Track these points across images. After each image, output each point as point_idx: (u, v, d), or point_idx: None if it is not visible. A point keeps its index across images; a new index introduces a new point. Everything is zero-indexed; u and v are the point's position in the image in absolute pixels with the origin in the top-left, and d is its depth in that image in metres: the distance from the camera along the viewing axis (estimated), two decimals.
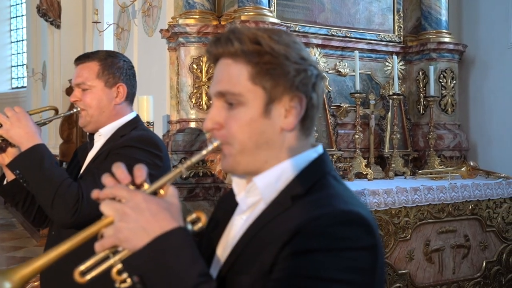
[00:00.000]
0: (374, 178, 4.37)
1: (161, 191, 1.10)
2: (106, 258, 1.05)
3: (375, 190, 3.67)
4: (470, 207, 4.09)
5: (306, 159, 1.16)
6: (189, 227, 1.10)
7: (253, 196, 1.17)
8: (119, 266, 1.03)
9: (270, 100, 1.12)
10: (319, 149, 1.20)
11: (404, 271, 3.80)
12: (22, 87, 14.43)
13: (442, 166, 4.74)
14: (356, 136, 4.46)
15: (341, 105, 4.80)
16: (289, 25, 4.39)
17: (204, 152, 1.15)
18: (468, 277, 4.10)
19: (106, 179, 1.10)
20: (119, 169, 1.10)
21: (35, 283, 2.58)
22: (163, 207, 1.04)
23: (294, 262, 0.99)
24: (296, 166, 1.15)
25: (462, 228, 4.08)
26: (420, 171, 4.55)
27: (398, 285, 3.77)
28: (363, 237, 1.02)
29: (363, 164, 4.42)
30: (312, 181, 1.13)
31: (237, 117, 1.12)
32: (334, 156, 4.48)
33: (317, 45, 4.64)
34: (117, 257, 1.04)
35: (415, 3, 5.22)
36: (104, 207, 1.05)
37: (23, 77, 14.56)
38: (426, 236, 3.93)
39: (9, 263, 6.47)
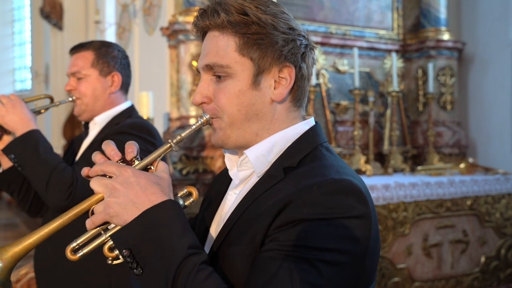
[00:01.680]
0: (373, 174, 4.38)
1: (152, 167, 1.10)
2: (98, 235, 1.04)
3: (373, 185, 3.68)
4: (468, 202, 4.10)
5: (298, 131, 1.15)
6: (181, 202, 1.12)
7: (245, 169, 1.16)
8: (110, 242, 1.02)
9: (259, 71, 1.11)
10: (311, 121, 1.20)
11: (402, 265, 3.82)
12: (25, 89, 14.49)
13: (441, 163, 4.76)
14: (355, 133, 4.48)
15: (340, 102, 4.82)
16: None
17: (194, 126, 1.14)
18: (467, 272, 4.11)
19: (96, 156, 1.09)
20: (108, 146, 1.10)
21: (31, 274, 2.60)
22: (152, 181, 1.04)
23: (287, 232, 0.99)
24: (288, 138, 1.15)
25: (460, 224, 4.10)
26: (419, 167, 4.57)
27: (396, 279, 3.78)
28: (355, 206, 1.01)
29: (362, 161, 4.44)
30: (304, 153, 1.12)
31: (225, 90, 1.12)
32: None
33: (316, 43, 4.65)
34: (109, 233, 1.03)
35: (414, 1, 5.24)
36: (94, 184, 1.04)
37: (26, 80, 14.63)
38: (424, 231, 3.94)
39: None
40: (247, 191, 1.14)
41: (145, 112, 4.08)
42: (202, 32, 1.17)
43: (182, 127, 4.22)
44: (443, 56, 5.10)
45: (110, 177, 1.05)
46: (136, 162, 1.10)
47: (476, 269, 4.15)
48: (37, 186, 1.97)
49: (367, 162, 4.51)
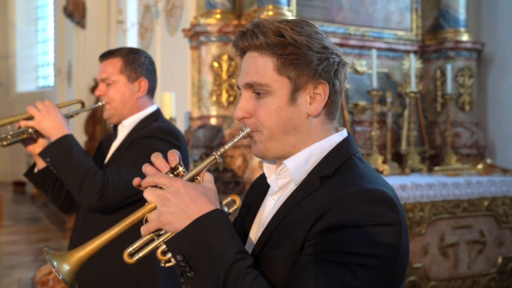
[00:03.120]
0: (390, 174, 4.43)
1: (198, 178, 1.21)
2: (151, 241, 1.15)
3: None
4: (485, 203, 4.13)
5: (332, 142, 1.25)
6: (226, 209, 1.21)
7: (284, 177, 1.26)
8: (163, 247, 1.14)
9: (295, 88, 1.21)
10: (344, 132, 1.29)
11: (418, 264, 3.87)
12: (48, 86, 14.81)
13: (459, 164, 4.79)
14: (373, 133, 4.53)
15: (359, 102, 4.88)
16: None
17: (236, 139, 1.24)
18: (483, 272, 4.15)
19: (146, 168, 1.20)
20: (158, 158, 1.20)
21: None
22: (200, 192, 1.15)
23: (324, 237, 1.08)
24: (323, 149, 1.24)
25: (477, 224, 4.13)
26: (436, 168, 4.60)
27: (412, 278, 3.84)
28: (387, 214, 1.10)
29: (380, 161, 4.49)
30: (339, 163, 1.21)
31: (265, 106, 1.22)
32: None
33: (335, 44, 4.70)
34: (161, 239, 1.14)
35: (433, 2, 5.25)
36: (147, 194, 1.15)
37: (49, 76, 14.93)
38: (441, 231, 3.99)
39: (36, 254, 6.71)
40: (286, 198, 1.23)
41: (167, 112, 4.20)
42: (241, 52, 1.27)
43: (203, 127, 4.33)
44: (462, 57, 5.11)
45: (161, 187, 1.15)
46: (181, 168, 1.21)
47: (493, 269, 4.18)
48: (71, 188, 2.12)
49: (384, 162, 4.56)
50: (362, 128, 4.85)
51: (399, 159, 4.85)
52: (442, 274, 3.99)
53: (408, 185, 3.82)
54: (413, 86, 4.72)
